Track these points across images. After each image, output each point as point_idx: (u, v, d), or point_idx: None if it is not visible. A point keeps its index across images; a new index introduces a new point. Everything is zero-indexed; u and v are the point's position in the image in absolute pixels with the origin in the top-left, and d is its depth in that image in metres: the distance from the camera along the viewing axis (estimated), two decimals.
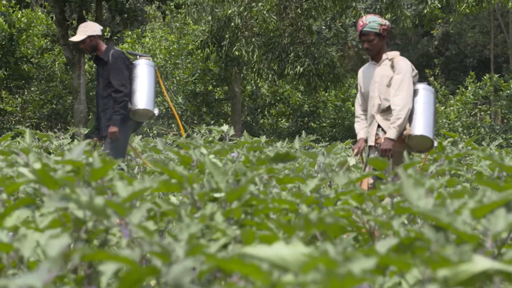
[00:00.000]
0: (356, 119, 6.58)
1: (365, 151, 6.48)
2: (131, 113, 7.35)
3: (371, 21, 6.23)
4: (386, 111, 6.22)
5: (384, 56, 6.29)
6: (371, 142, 6.25)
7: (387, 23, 6.26)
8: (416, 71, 6.23)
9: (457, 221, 1.89)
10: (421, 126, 6.11)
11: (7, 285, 1.48)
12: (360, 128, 6.48)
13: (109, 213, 2.08)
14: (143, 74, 7.40)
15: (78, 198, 2.05)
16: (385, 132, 6.17)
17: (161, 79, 31.33)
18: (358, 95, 6.59)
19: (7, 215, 2.38)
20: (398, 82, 6.13)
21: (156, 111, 7.37)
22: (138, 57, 7.56)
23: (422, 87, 6.27)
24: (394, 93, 6.12)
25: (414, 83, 6.20)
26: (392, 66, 6.21)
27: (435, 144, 6.11)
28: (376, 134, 6.21)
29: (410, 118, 6.14)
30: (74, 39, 7.39)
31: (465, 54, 39.11)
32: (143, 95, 7.33)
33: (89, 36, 7.40)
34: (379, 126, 6.22)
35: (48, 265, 1.48)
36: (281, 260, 1.49)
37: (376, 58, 6.35)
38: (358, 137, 6.45)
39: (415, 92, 6.21)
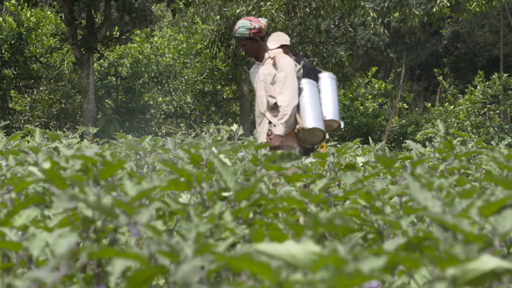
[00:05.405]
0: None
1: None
2: None
3: (240, 27, 6.33)
4: (274, 108, 6.34)
5: (266, 55, 6.43)
6: (263, 139, 6.31)
7: (256, 25, 6.32)
8: (299, 66, 6.37)
9: (462, 222, 1.88)
10: (311, 119, 6.29)
11: (15, 281, 1.49)
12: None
13: (117, 213, 2.08)
14: (327, 86, 7.57)
15: (86, 198, 2.05)
16: None
17: (169, 78, 31.26)
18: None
19: (15, 213, 2.39)
20: (282, 79, 6.25)
21: (342, 124, 7.53)
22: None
23: (305, 81, 6.41)
24: (279, 90, 6.26)
25: (299, 78, 6.35)
26: (274, 64, 6.33)
27: (327, 136, 6.36)
28: (269, 130, 6.31)
29: (299, 112, 6.25)
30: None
31: (474, 53, 39.03)
32: (329, 107, 7.49)
33: (281, 46, 7.57)
34: (270, 122, 6.30)
35: (56, 261, 1.48)
36: (291, 258, 1.49)
37: (259, 58, 6.48)
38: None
39: (300, 87, 6.32)
